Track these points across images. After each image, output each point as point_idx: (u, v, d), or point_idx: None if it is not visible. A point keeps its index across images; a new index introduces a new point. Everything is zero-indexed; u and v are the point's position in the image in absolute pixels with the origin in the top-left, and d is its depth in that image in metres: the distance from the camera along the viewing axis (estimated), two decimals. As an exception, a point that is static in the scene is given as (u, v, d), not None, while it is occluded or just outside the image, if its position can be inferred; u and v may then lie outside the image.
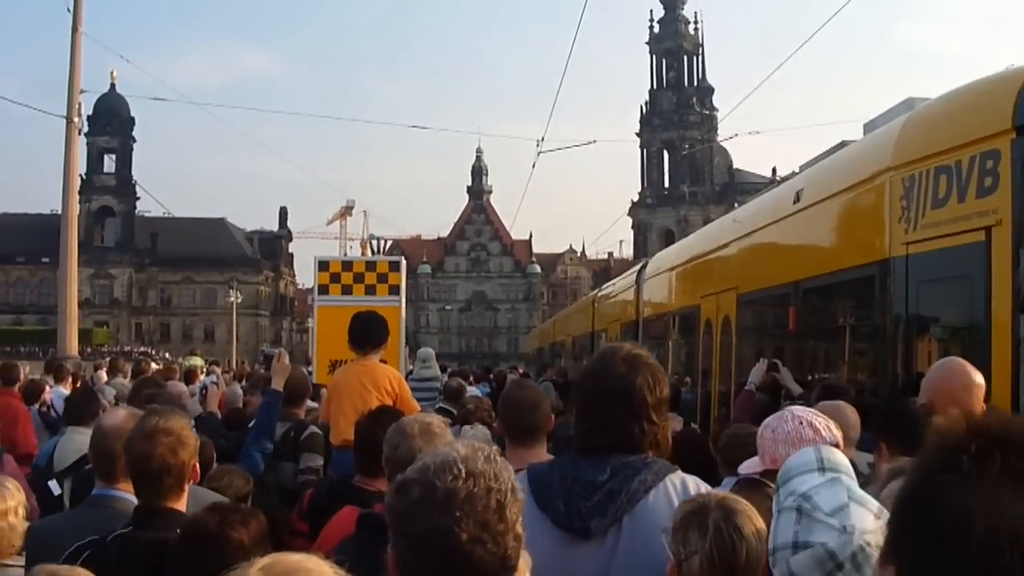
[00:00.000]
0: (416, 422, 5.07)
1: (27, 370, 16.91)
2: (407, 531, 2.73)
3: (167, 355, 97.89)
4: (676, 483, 4.03)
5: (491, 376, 28.94)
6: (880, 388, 9.14)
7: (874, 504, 3.07)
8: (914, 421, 5.22)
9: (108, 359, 25.90)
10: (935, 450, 1.51)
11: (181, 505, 4.66)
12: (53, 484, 8.26)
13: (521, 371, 41.73)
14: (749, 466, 5.21)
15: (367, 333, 9.81)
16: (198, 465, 4.84)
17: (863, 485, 4.99)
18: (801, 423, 4.90)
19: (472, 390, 14.48)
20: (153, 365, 27.05)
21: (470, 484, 2.71)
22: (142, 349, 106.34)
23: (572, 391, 4.40)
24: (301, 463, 9.03)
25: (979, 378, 5.79)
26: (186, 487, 4.70)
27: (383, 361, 10.39)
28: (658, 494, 3.94)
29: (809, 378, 10.86)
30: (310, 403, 10.67)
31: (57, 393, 14.82)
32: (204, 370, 25.17)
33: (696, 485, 4.10)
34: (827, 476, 3.10)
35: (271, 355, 9.82)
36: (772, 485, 4.44)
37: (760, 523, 3.53)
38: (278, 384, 9.14)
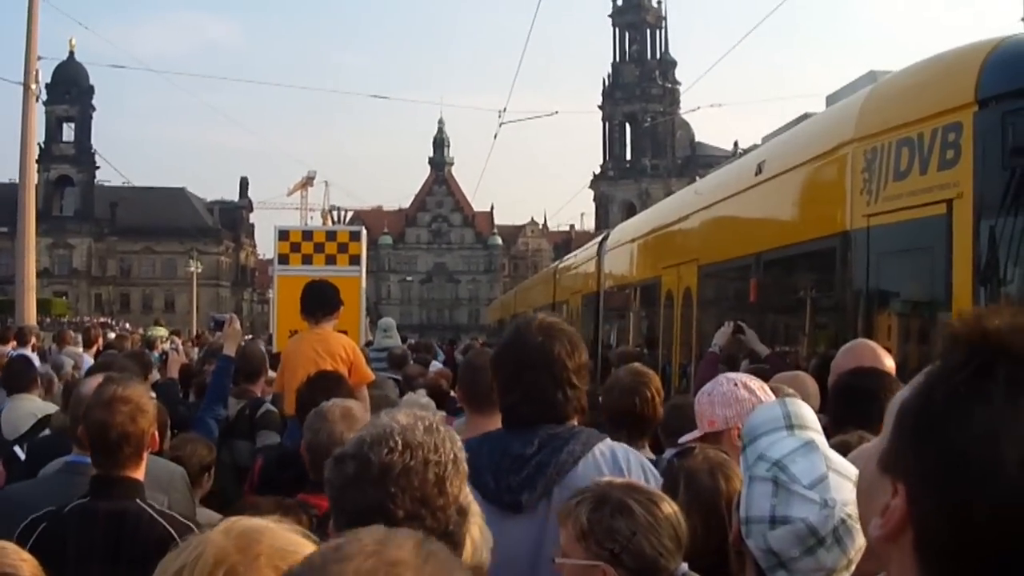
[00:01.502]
0: (337, 406, 5.03)
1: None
2: (343, 508, 2.71)
3: (127, 325, 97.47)
4: (605, 451, 4.09)
5: (443, 347, 29.00)
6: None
7: (852, 470, 3.02)
8: (859, 395, 5.18)
9: (57, 331, 25.73)
10: (952, 364, 1.46)
11: (139, 474, 4.61)
12: (17, 450, 8.23)
13: (481, 342, 41.80)
14: (689, 436, 5.21)
15: (318, 301, 9.76)
16: (157, 433, 4.78)
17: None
18: (736, 384, 4.93)
19: (436, 364, 14.44)
20: (110, 335, 26.94)
21: (406, 457, 2.68)
22: (102, 319, 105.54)
23: (492, 365, 4.39)
24: (258, 441, 8.95)
25: (889, 361, 5.77)
26: (145, 455, 4.65)
27: (341, 331, 10.35)
28: (587, 464, 3.98)
29: (771, 350, 10.89)
30: (271, 373, 10.61)
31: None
32: (164, 340, 25.06)
33: (625, 452, 4.17)
34: (798, 437, 3.04)
35: (222, 320, 9.77)
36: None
37: None
38: (230, 350, 9.12)
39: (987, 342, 1.44)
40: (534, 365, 4.09)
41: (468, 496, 2.83)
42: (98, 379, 5.18)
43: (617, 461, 4.05)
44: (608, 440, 4.15)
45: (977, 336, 1.45)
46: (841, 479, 2.86)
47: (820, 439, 3.02)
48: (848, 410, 4.71)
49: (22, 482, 6.01)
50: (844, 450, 3.32)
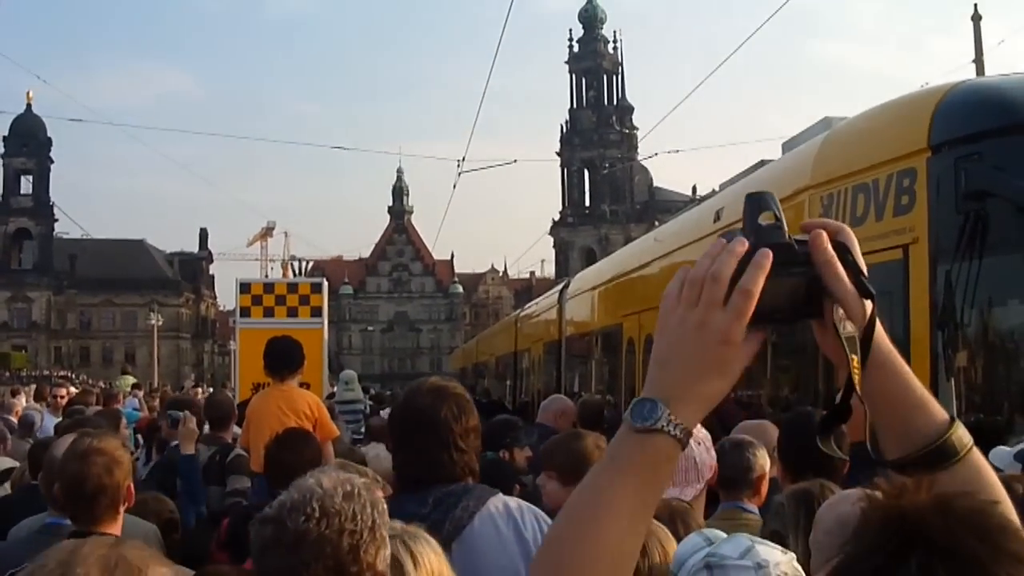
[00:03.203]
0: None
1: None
2: (261, 568, 2.78)
3: (87, 379, 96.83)
4: (499, 505, 4.16)
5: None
6: (800, 404, 9.21)
7: (777, 547, 3.16)
8: (810, 436, 5.22)
9: (33, 386, 25.61)
10: (868, 545, 1.45)
11: (116, 529, 4.58)
12: None
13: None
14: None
15: (283, 359, 9.78)
16: (132, 486, 4.74)
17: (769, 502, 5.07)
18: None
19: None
20: (72, 389, 26.76)
21: (322, 525, 2.77)
22: (62, 373, 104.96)
23: (387, 427, 4.49)
24: (228, 485, 9.02)
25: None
26: (121, 510, 4.62)
27: (304, 384, 10.37)
28: (483, 518, 4.04)
29: (733, 395, 10.93)
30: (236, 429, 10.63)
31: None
32: (128, 392, 24.93)
33: (518, 505, 4.23)
34: (724, 537, 3.18)
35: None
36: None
37: None
38: (188, 449, 9.11)
39: (904, 524, 1.42)
40: (422, 427, 4.17)
41: (384, 562, 2.88)
42: (71, 437, 5.17)
43: (511, 514, 4.12)
44: (501, 495, 4.22)
45: (895, 517, 1.44)
46: (767, 547, 2.96)
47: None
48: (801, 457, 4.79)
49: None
50: (808, 498, 3.38)
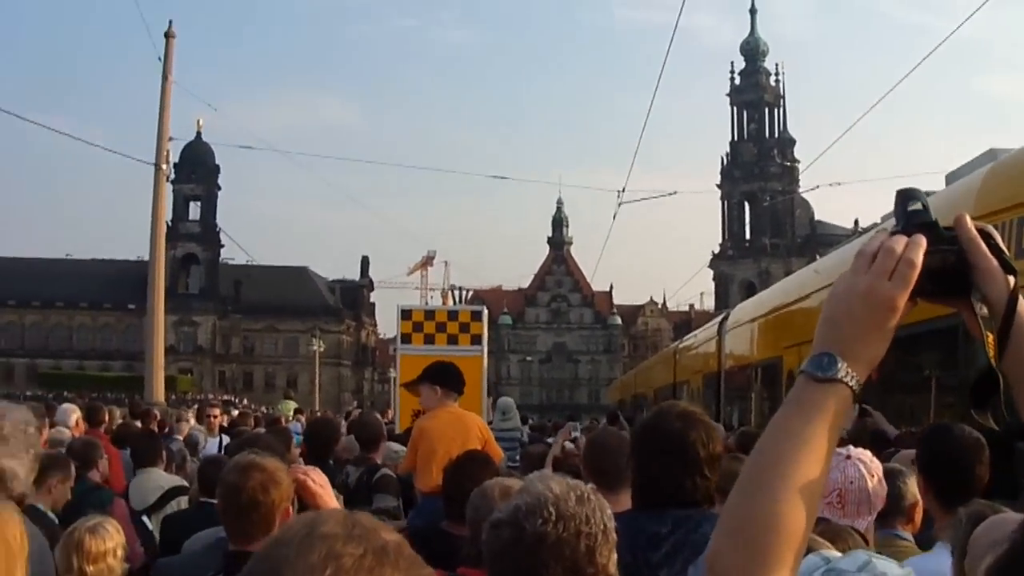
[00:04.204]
0: (497, 485, 5.09)
1: (116, 415, 17.11)
2: (498, 570, 2.81)
3: (250, 403, 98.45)
4: None
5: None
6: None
7: (894, 561, 3.18)
8: (960, 462, 5.19)
9: (194, 407, 26.12)
10: None
11: None
12: (145, 520, 8.55)
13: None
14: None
15: (450, 376, 9.81)
16: (291, 510, 4.67)
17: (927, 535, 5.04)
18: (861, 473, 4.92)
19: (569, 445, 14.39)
20: (233, 411, 27.27)
21: (559, 528, 2.80)
22: (225, 397, 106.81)
23: (631, 446, 4.54)
24: (374, 504, 9.00)
25: None
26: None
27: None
28: None
29: (898, 430, 10.81)
30: (396, 446, 10.74)
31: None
32: (290, 417, 25.31)
33: None
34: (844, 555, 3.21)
35: None
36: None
37: None
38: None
39: None
40: (670, 450, 4.20)
41: (615, 564, 2.93)
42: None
43: None
44: None
45: None
46: (886, 563, 2.99)
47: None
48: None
49: (174, 556, 6.13)
50: (979, 520, 3.38)
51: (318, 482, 4.61)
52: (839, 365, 1.80)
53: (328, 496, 4.60)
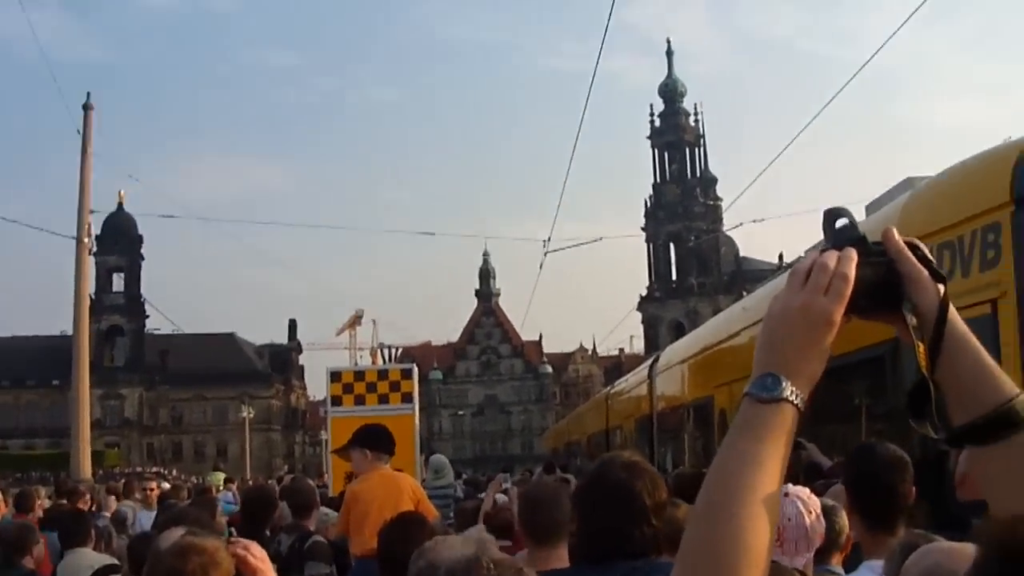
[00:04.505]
0: (437, 544, 5.02)
1: (42, 496, 16.86)
2: None
3: (180, 474, 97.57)
4: None
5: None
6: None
7: None
8: (882, 480, 5.22)
9: (121, 481, 25.87)
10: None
11: None
12: None
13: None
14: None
15: (380, 438, 9.84)
16: None
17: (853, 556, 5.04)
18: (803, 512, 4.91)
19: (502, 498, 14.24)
20: (165, 484, 26.99)
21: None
22: (154, 469, 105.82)
23: (573, 499, 4.51)
24: (306, 571, 9.00)
25: None
26: None
27: (397, 470, 10.42)
28: None
29: (831, 461, 10.84)
30: (327, 511, 10.64)
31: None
32: (219, 487, 25.10)
33: None
34: None
35: None
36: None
37: None
38: None
39: (1021, 559, 1.46)
40: (616, 501, 4.15)
41: None
42: (177, 532, 5.17)
43: None
44: None
45: (1015, 551, 1.47)
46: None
47: None
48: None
49: None
50: (912, 551, 3.35)
51: (258, 557, 4.55)
52: (783, 384, 1.82)
53: (268, 570, 4.55)
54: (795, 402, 1.82)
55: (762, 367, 1.87)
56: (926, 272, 1.91)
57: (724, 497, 1.76)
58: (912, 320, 1.88)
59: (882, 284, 1.91)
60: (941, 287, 1.91)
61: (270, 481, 41.84)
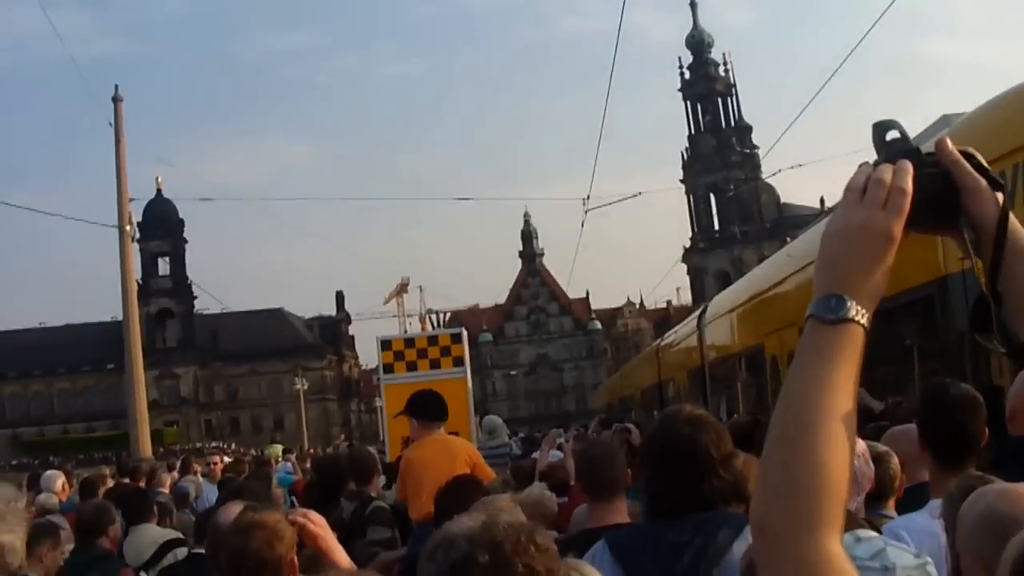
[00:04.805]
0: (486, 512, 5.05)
1: (107, 477, 17.05)
2: None
3: (239, 448, 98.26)
4: None
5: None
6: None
7: (912, 549, 3.17)
8: (956, 420, 5.20)
9: (181, 458, 26.16)
10: None
11: None
12: (144, 575, 8.62)
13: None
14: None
15: (431, 405, 9.92)
16: (295, 559, 4.70)
17: (920, 500, 5.05)
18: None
19: (556, 454, 14.22)
20: (227, 459, 27.24)
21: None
22: (213, 444, 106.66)
23: (640, 456, 4.54)
24: (368, 536, 9.07)
25: None
26: None
27: (452, 433, 10.50)
28: (740, 545, 4.01)
29: (884, 403, 10.81)
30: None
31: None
32: (279, 458, 25.32)
33: None
34: (861, 541, 3.21)
35: None
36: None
37: None
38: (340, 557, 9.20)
39: None
40: (682, 456, 4.19)
41: None
42: (235, 507, 5.27)
43: None
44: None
45: None
46: (899, 550, 2.98)
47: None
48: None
49: None
50: (965, 494, 3.38)
51: (318, 523, 4.59)
52: (848, 304, 1.80)
53: (329, 537, 4.59)
54: (862, 322, 1.80)
55: (825, 288, 1.83)
56: (984, 181, 1.85)
57: (801, 424, 1.74)
58: (970, 235, 1.85)
59: (939, 196, 1.86)
60: (1000, 196, 1.85)
61: (328, 450, 42.20)
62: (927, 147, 1.90)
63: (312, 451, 41.41)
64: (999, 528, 2.78)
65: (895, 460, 5.35)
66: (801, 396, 1.77)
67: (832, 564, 1.67)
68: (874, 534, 3.32)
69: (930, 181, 1.84)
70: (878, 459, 5.17)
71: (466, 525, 2.73)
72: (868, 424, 7.92)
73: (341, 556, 4.60)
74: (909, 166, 1.82)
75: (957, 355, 8.98)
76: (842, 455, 1.72)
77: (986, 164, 1.87)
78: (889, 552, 3.05)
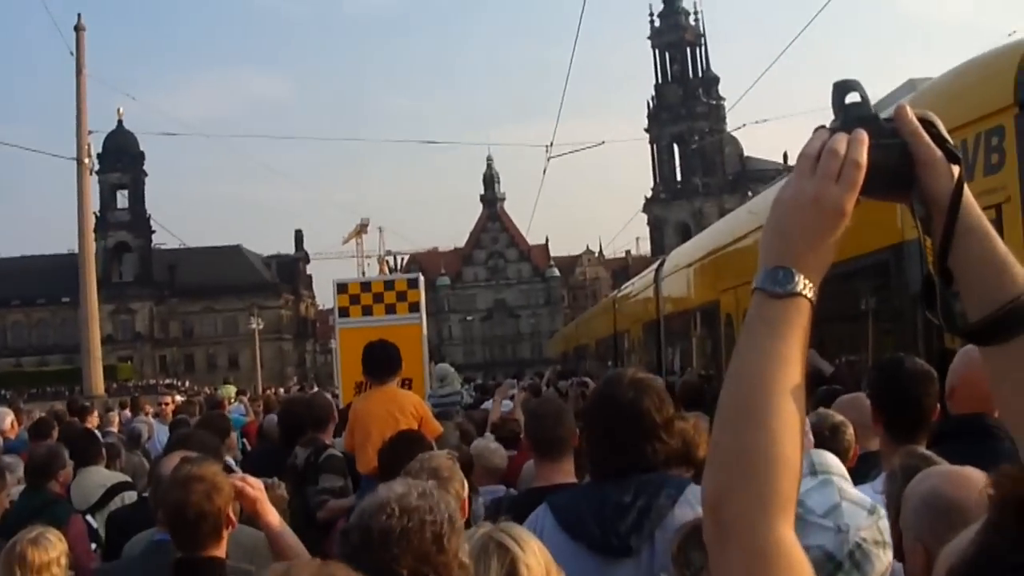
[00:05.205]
0: (423, 470, 5.06)
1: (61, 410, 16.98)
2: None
3: (193, 385, 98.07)
4: (697, 493, 4.14)
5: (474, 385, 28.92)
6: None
7: (867, 502, 3.16)
8: (909, 394, 5.19)
9: (131, 398, 26.07)
10: (1003, 536, 1.29)
11: (220, 552, 4.66)
12: (90, 519, 8.66)
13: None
14: None
15: (382, 363, 9.92)
16: (232, 511, 4.76)
17: (869, 470, 5.06)
18: None
19: (508, 404, 14.15)
20: (179, 397, 27.20)
21: (404, 521, 2.95)
22: (167, 381, 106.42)
23: (584, 419, 4.57)
24: (320, 483, 9.13)
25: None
26: (224, 534, 4.68)
27: (406, 380, 10.50)
28: (682, 507, 4.09)
29: (834, 366, 10.84)
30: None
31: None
32: (232, 399, 25.28)
33: None
34: (819, 479, 3.20)
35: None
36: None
37: None
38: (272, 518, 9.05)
39: None
40: (625, 419, 4.23)
41: (466, 553, 3.04)
42: (175, 458, 5.27)
43: None
44: (693, 485, 4.27)
45: None
46: (855, 507, 2.97)
47: (839, 480, 3.16)
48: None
49: (115, 562, 6.15)
50: (912, 475, 3.37)
51: (256, 487, 4.71)
52: (796, 278, 1.77)
53: (265, 502, 4.71)
54: (809, 296, 1.77)
55: (772, 259, 1.80)
56: (940, 153, 1.82)
57: (752, 399, 1.72)
58: (920, 211, 1.83)
59: (894, 168, 1.83)
60: (956, 168, 1.82)
61: (281, 390, 42.12)
62: (888, 112, 1.86)
63: (266, 392, 41.26)
64: (942, 511, 2.81)
65: (850, 430, 5.38)
66: (752, 372, 1.75)
67: (783, 551, 1.66)
68: (831, 475, 3.31)
69: (886, 153, 1.81)
70: (834, 429, 5.20)
71: (377, 501, 2.93)
72: (819, 387, 7.95)
73: (274, 518, 4.74)
74: (865, 136, 1.78)
75: (910, 320, 8.99)
76: (794, 432, 1.70)
77: (946, 133, 1.84)
78: (844, 509, 3.04)
